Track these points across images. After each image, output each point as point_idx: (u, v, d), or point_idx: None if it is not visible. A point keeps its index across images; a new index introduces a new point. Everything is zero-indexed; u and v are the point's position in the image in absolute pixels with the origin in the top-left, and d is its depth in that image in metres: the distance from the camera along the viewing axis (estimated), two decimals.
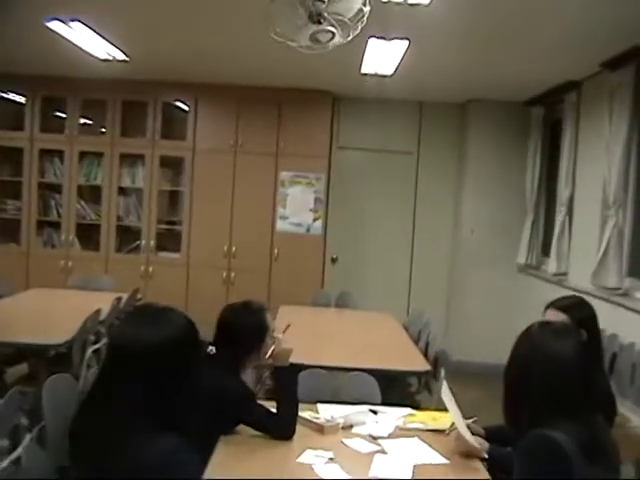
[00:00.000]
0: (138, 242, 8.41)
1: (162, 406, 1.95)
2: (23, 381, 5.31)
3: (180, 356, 2.01)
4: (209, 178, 8.29)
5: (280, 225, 8.33)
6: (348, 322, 6.52)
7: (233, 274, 8.32)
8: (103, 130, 8.44)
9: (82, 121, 8.49)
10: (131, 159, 8.44)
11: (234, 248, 8.32)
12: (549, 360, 2.18)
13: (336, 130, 8.60)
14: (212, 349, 3.31)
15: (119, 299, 5.94)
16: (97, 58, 6.85)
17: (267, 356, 3.30)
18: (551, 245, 7.09)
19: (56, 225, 8.51)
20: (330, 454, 2.99)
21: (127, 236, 8.51)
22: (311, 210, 8.32)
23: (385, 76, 6.92)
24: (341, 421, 3.37)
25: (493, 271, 8.23)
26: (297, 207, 8.31)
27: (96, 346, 5.22)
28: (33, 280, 8.04)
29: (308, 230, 8.33)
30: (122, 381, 1.94)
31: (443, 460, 3.02)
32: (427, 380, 5.06)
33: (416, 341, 5.63)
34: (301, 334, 5.22)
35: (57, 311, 6.00)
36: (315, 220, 8.32)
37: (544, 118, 7.69)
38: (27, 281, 8.07)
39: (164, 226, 8.53)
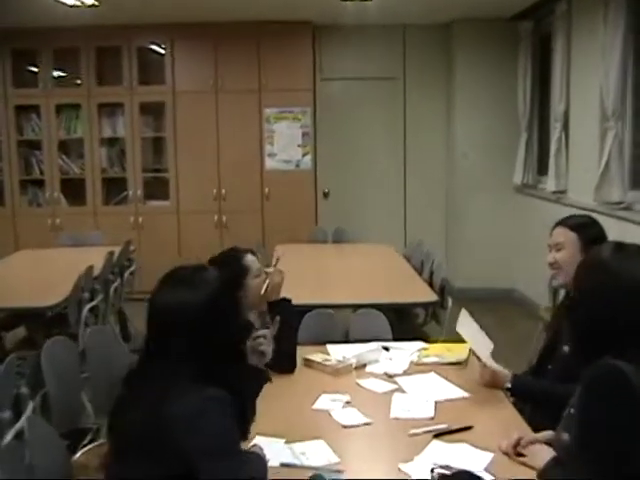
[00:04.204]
0: (125, 193, 8.21)
1: (209, 362, 2.03)
2: (21, 345, 5.21)
3: (222, 312, 2.09)
4: (192, 121, 8.06)
5: (269, 163, 8.14)
6: (348, 257, 6.39)
7: (225, 217, 8.16)
8: (79, 82, 8.14)
9: (56, 73, 8.19)
10: (110, 108, 8.18)
11: (224, 190, 8.14)
12: (631, 285, 1.99)
13: (319, 61, 8.33)
14: None
15: (112, 253, 5.77)
16: (64, 4, 6.54)
17: (262, 293, 3.16)
18: (548, 163, 6.92)
19: (40, 183, 8.29)
20: (347, 397, 2.87)
21: (114, 188, 8.30)
22: (299, 145, 8.12)
23: (367, 0, 6.66)
24: (354, 361, 3.25)
25: (490, 193, 8.08)
26: (285, 143, 8.11)
27: (92, 303, 5.11)
28: (22, 241, 7.86)
29: (298, 166, 8.15)
30: (170, 345, 2.02)
31: (464, 394, 2.91)
32: (434, 310, 4.95)
33: (419, 271, 5.51)
34: (302, 273, 5.13)
35: (49, 271, 5.83)
36: (304, 155, 8.13)
37: (533, 32, 7.44)
38: (16, 243, 7.88)
39: (150, 174, 8.33)
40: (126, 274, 6.15)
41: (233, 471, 1.93)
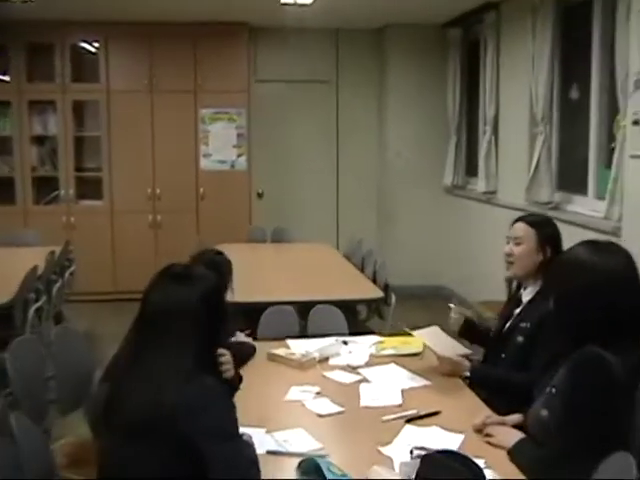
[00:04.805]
0: (57, 192, 8.11)
1: (207, 354, 2.17)
2: None
3: (217, 304, 2.23)
4: (127, 120, 8.02)
5: (204, 163, 8.19)
6: (290, 256, 6.50)
7: (159, 217, 8.16)
8: (6, 79, 8.00)
9: None
10: (41, 106, 8.06)
11: (158, 190, 8.14)
12: (607, 277, 2.22)
13: (253, 63, 8.42)
14: None
15: (53, 253, 5.73)
16: None
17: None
18: (477, 165, 7.23)
19: None
20: (316, 388, 3.00)
21: (45, 187, 8.18)
22: (234, 146, 8.20)
23: (305, 5, 6.79)
24: (317, 355, 3.39)
25: (421, 194, 8.34)
26: (220, 144, 8.17)
27: (38, 304, 5.06)
28: None
29: (233, 166, 8.23)
30: (168, 340, 2.11)
31: (426, 382, 3.09)
32: (378, 306, 5.13)
33: (360, 269, 5.69)
34: (248, 272, 5.21)
35: None
36: (239, 156, 8.21)
37: (462, 39, 7.74)
38: None
39: (83, 174, 8.23)
40: (66, 274, 6.11)
41: (238, 452, 2.05)
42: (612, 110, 4.92)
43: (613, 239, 4.20)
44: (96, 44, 8.07)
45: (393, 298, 5.02)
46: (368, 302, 5.01)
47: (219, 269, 3.07)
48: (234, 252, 5.71)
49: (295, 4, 6.77)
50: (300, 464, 2.25)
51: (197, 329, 2.13)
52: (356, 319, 5.33)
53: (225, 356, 2.55)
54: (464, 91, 7.85)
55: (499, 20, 6.78)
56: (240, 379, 2.71)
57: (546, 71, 5.69)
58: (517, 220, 3.17)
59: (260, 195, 8.69)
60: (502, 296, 5.04)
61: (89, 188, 8.21)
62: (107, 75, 7.99)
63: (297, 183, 8.76)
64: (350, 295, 4.74)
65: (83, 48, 8.15)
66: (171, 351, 2.10)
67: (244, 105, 8.17)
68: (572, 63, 5.78)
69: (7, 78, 8.00)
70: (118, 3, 7.09)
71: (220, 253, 3.46)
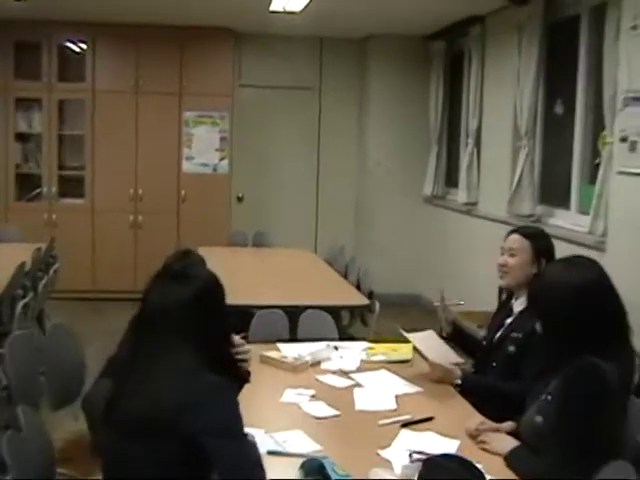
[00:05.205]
0: (39, 189, 8.10)
1: (210, 351, 2.17)
2: None
3: (216, 302, 2.26)
4: (111, 120, 8.04)
5: (186, 166, 8.22)
6: (273, 261, 6.57)
7: (140, 217, 8.17)
8: None
9: None
10: (27, 103, 8.06)
11: (140, 191, 8.16)
12: (587, 289, 2.33)
13: (238, 68, 8.47)
14: None
15: (39, 249, 5.75)
16: None
17: None
18: (457, 176, 7.34)
19: None
20: (311, 391, 3.07)
21: (27, 184, 8.17)
22: (217, 150, 8.24)
23: (293, 13, 6.86)
24: (309, 358, 3.46)
25: (400, 202, 8.42)
26: (203, 147, 8.21)
27: (25, 300, 5.07)
28: None
29: (215, 170, 8.26)
30: (167, 339, 2.13)
31: (418, 388, 3.16)
32: (362, 313, 5.21)
33: (344, 276, 5.77)
34: (233, 276, 5.25)
35: None
36: (222, 160, 8.25)
37: (445, 51, 7.85)
38: None
39: (66, 172, 8.22)
40: (51, 272, 6.12)
41: (243, 450, 2.10)
42: (597, 126, 5.05)
43: (597, 253, 4.34)
44: (83, 44, 8.08)
45: (377, 305, 5.10)
46: (352, 308, 5.09)
47: None
48: (215, 255, 5.81)
49: (284, 12, 6.84)
50: (303, 464, 2.30)
51: (196, 328, 2.16)
52: (339, 325, 5.41)
53: (243, 346, 2.59)
54: (446, 102, 7.95)
55: (484, 33, 6.90)
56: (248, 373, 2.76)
57: (531, 85, 5.79)
58: (512, 232, 3.26)
59: (240, 199, 8.73)
60: (481, 306, 5.19)
61: (71, 186, 8.21)
62: (93, 75, 8.00)
63: (277, 188, 8.82)
64: (336, 301, 4.81)
65: (70, 48, 8.15)
66: (171, 350, 2.13)
67: (228, 109, 8.22)
68: (558, 78, 5.91)
69: None
70: (106, 4, 7.11)
71: None
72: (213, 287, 2.28)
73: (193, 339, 2.14)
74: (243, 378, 2.55)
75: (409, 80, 8.33)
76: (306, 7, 6.56)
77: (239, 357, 2.54)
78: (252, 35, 8.36)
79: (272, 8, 6.69)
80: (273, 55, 8.56)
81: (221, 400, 2.10)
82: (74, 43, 8.14)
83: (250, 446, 2.18)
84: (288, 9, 6.74)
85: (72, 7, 7.25)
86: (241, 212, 8.63)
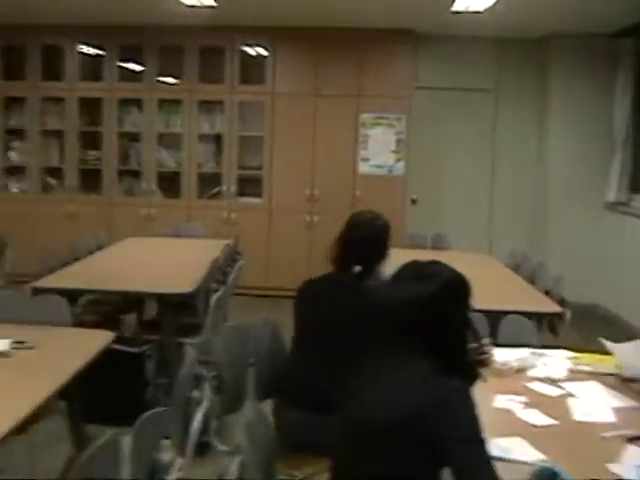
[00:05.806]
0: (219, 188, 8.41)
1: (448, 355, 2.17)
2: (146, 329, 5.37)
3: (459, 297, 2.26)
4: (289, 122, 8.25)
5: (362, 167, 8.29)
6: (458, 264, 6.45)
7: (316, 218, 8.31)
8: (176, 81, 8.39)
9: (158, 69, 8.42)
10: (209, 105, 8.41)
11: (316, 192, 8.30)
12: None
13: (415, 70, 8.46)
14: (358, 268, 3.39)
15: (228, 245, 5.98)
16: (183, 4, 6.74)
17: None
18: None
19: (136, 174, 8.53)
20: (522, 398, 2.99)
21: (208, 183, 8.51)
22: (393, 151, 8.26)
23: (477, 12, 6.77)
24: (515, 364, 3.38)
25: (579, 209, 8.14)
26: (378, 149, 8.25)
27: (218, 293, 5.27)
28: (116, 229, 8.05)
29: (390, 171, 8.28)
30: (412, 339, 2.15)
31: (633, 403, 3.01)
32: (552, 321, 5.05)
33: (530, 281, 5.62)
34: None
35: (169, 259, 5.98)
36: (398, 161, 8.25)
37: (635, 50, 7.50)
38: (111, 230, 8.07)
39: (245, 172, 8.50)
40: (236, 267, 6.33)
41: (485, 454, 2.06)
42: None
43: None
44: (263, 49, 8.34)
45: (568, 314, 4.93)
46: (543, 316, 4.93)
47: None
48: (399, 256, 5.83)
49: (466, 12, 6.77)
50: (535, 473, 2.25)
51: (436, 327, 2.17)
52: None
53: (487, 345, 2.58)
54: (634, 104, 7.60)
55: None
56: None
57: None
58: None
59: (414, 201, 8.71)
60: None
61: (250, 186, 8.48)
62: (273, 78, 8.24)
63: (449, 192, 8.74)
64: (532, 307, 4.68)
65: (252, 51, 8.44)
66: (414, 353, 2.14)
67: (405, 111, 8.22)
68: None
69: (176, 81, 8.42)
70: (287, 9, 7.32)
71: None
72: (458, 278, 2.28)
73: (431, 340, 2.15)
74: (477, 377, 2.53)
75: (593, 82, 8.02)
76: (494, 5, 6.45)
77: (480, 357, 2.51)
78: (430, 37, 8.33)
79: (455, 8, 6.65)
80: (450, 56, 8.50)
81: (464, 404, 2.08)
82: (254, 47, 8.39)
83: (489, 451, 2.14)
84: (472, 9, 6.67)
85: (254, 13, 7.51)
86: (414, 214, 8.60)
